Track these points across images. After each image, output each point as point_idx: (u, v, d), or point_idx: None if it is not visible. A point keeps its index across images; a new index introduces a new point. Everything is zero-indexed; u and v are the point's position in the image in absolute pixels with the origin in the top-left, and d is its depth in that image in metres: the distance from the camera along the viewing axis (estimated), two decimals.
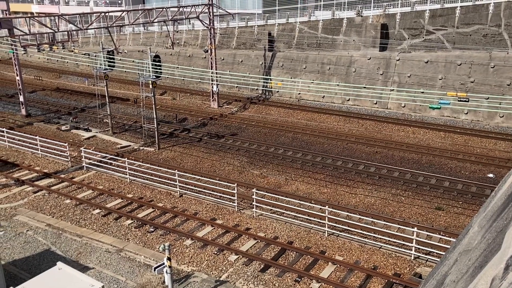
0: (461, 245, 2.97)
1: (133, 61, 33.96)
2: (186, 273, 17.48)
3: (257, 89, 43.00)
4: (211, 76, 39.67)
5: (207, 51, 40.78)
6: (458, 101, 30.78)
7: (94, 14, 38.04)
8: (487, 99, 31.35)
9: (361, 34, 39.32)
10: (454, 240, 3.35)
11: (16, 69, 37.69)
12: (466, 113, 33.71)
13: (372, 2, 40.01)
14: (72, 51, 39.62)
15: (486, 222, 2.86)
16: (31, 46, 35.07)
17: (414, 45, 37.44)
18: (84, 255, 18.77)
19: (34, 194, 24.40)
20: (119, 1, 65.48)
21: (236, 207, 22.37)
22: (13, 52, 36.32)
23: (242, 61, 44.87)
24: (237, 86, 43.59)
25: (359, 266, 17.61)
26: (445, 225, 20.63)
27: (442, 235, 19.22)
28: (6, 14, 35.84)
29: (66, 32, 34.76)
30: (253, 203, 21.79)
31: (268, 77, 42.53)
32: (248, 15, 48.35)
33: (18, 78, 37.84)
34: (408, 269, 17.53)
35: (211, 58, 40.50)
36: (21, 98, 38.72)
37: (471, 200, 22.91)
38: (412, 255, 18.12)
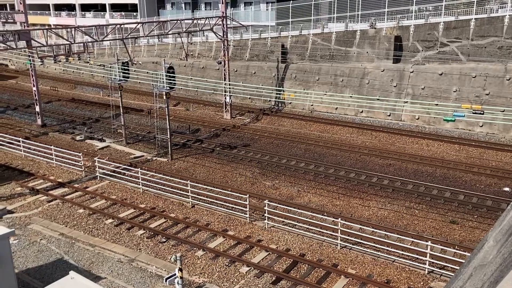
0: (476, 260, 2.92)
1: (147, 72, 34.31)
2: (198, 284, 17.44)
3: (269, 100, 43.09)
4: (224, 88, 39.88)
5: (220, 63, 41.07)
6: (473, 113, 30.46)
7: (110, 26, 38.64)
8: (502, 111, 30.97)
9: (375, 46, 39.28)
10: (469, 254, 3.29)
11: (33, 80, 38.35)
12: (481, 126, 33.34)
13: (386, 14, 40.01)
14: (88, 62, 40.22)
15: (501, 236, 2.81)
16: (48, 57, 35.67)
17: (428, 57, 37.26)
18: (96, 264, 18.85)
19: (48, 203, 24.64)
20: (134, 14, 66.46)
21: (248, 218, 22.31)
22: (30, 63, 36.98)
23: (255, 73, 45.07)
24: (250, 98, 43.73)
25: (372, 279, 17.39)
26: (460, 239, 20.31)
27: (456, 249, 18.91)
28: (24, 26, 36.58)
29: (82, 44, 35.25)
30: (265, 214, 21.72)
31: (281, 88, 42.61)
32: (262, 27, 48.65)
33: (34, 88, 38.47)
34: (422, 283, 17.26)
35: (224, 70, 40.77)
36: (37, 108, 39.33)
37: (487, 214, 22.55)
38: (426, 269, 17.86)
